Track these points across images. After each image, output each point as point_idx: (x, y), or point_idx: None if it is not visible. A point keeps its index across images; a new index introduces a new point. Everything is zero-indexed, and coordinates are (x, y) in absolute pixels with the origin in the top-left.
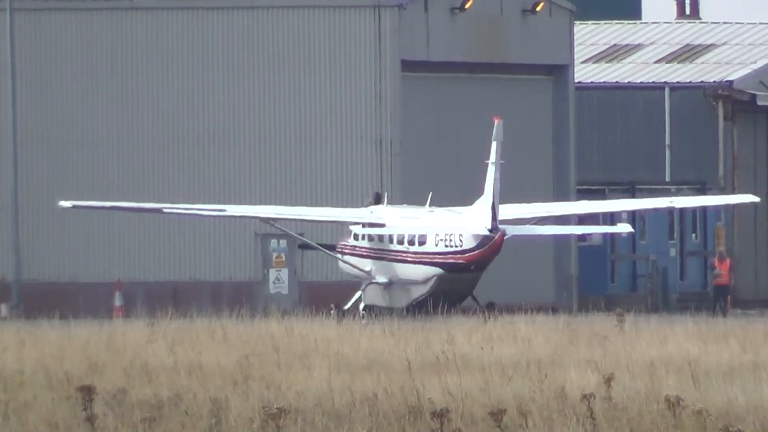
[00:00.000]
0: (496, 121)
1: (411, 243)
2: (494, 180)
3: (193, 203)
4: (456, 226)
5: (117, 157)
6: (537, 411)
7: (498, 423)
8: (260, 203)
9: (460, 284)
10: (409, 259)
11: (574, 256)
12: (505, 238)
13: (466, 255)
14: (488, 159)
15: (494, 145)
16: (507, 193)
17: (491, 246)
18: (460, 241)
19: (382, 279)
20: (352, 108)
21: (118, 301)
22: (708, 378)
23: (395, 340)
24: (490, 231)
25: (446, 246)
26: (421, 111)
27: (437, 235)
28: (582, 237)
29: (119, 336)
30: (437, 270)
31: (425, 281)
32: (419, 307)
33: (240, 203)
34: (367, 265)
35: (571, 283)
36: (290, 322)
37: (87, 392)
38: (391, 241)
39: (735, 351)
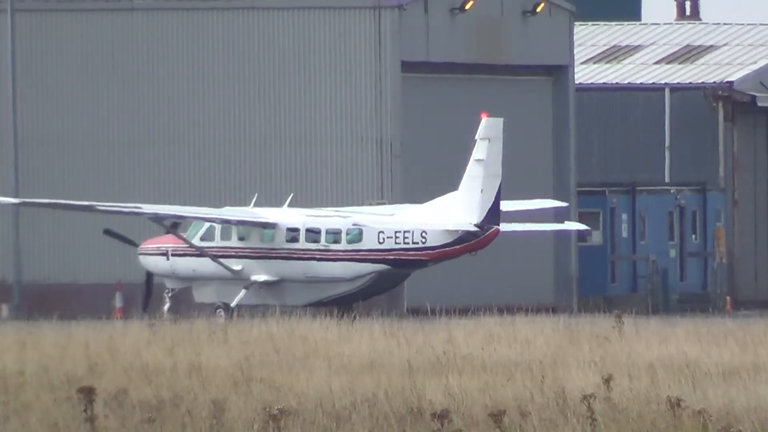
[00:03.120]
0: (483, 119)
1: (335, 241)
2: (485, 177)
3: (193, 204)
4: (414, 223)
5: (117, 158)
6: (537, 412)
7: (498, 424)
8: (260, 203)
9: (397, 281)
10: (328, 256)
11: (574, 257)
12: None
13: (432, 251)
14: (477, 156)
15: (483, 143)
16: (508, 194)
17: (477, 242)
18: (423, 237)
19: (266, 277)
20: (353, 109)
21: (118, 302)
22: (708, 379)
23: (395, 340)
24: (478, 227)
25: (397, 243)
26: (422, 112)
27: (382, 232)
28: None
29: (119, 337)
30: (379, 267)
31: (353, 279)
32: (340, 304)
33: (240, 204)
34: (236, 263)
35: (571, 284)
36: (290, 324)
37: (87, 393)
38: (294, 239)
39: (735, 352)
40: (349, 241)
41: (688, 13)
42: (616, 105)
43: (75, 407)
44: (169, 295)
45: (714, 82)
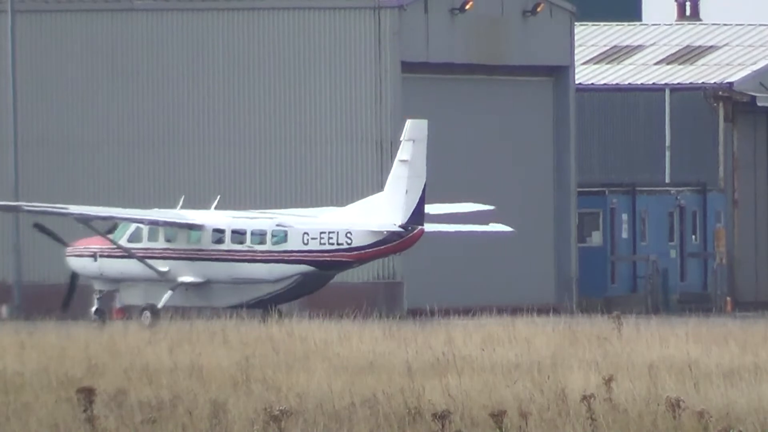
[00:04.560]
0: (408, 121)
1: (259, 242)
2: (410, 178)
3: (193, 205)
4: (339, 224)
5: (117, 159)
6: (537, 412)
7: (499, 424)
8: (260, 205)
9: (321, 282)
10: (253, 257)
11: (575, 257)
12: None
13: (357, 252)
14: (402, 157)
15: (408, 144)
16: (507, 195)
17: (401, 243)
18: (348, 238)
19: (192, 279)
20: (353, 109)
21: (118, 303)
22: (708, 379)
23: (395, 341)
24: (404, 228)
25: (321, 244)
26: (422, 112)
27: (306, 233)
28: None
29: (119, 337)
30: (303, 267)
31: (277, 280)
32: (265, 306)
33: (240, 205)
34: (162, 265)
35: (571, 284)
36: (290, 324)
37: (87, 394)
38: (220, 240)
39: (735, 352)
40: (275, 243)
41: (688, 13)
42: (616, 105)
43: (75, 408)
44: (98, 296)
45: (714, 83)
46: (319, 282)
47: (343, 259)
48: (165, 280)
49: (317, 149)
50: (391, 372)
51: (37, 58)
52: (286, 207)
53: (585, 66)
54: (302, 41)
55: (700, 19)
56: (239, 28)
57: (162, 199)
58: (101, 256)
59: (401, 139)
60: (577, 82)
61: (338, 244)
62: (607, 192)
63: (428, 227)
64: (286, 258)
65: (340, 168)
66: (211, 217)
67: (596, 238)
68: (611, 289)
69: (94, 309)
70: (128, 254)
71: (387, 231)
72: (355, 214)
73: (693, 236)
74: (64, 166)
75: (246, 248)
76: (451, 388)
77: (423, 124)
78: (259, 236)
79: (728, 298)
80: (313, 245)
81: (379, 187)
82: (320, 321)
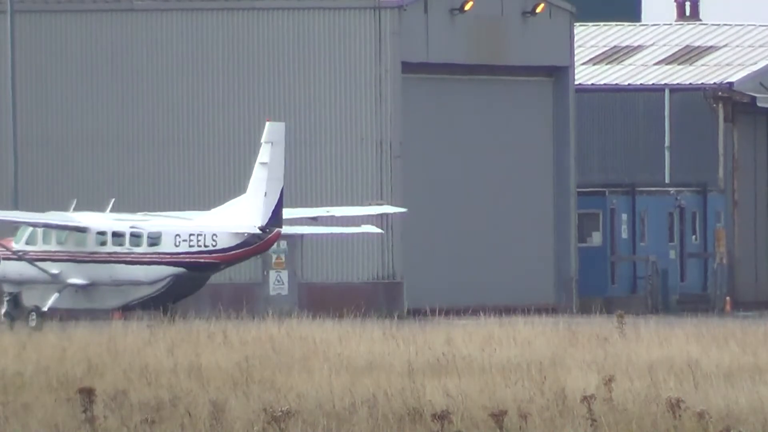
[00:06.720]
0: (267, 123)
1: (136, 244)
2: (268, 180)
3: (193, 204)
4: (206, 226)
5: (117, 158)
6: (537, 413)
7: (499, 425)
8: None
9: (196, 283)
10: (131, 259)
11: (574, 258)
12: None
13: (222, 254)
14: (262, 160)
15: (267, 147)
16: (507, 195)
17: (260, 245)
18: (214, 240)
19: (79, 281)
20: (352, 110)
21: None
22: (708, 380)
23: (395, 341)
24: (262, 230)
25: (191, 246)
26: (421, 113)
27: (178, 235)
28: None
29: (119, 338)
30: (175, 270)
31: (153, 282)
32: (145, 307)
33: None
34: (54, 267)
35: (571, 284)
36: (290, 324)
37: (87, 394)
38: (104, 243)
39: (735, 353)
40: (150, 245)
41: (688, 13)
42: (616, 106)
43: (75, 408)
44: (7, 299)
45: (714, 83)
46: (193, 283)
47: (211, 261)
48: (57, 282)
49: (317, 149)
50: (391, 372)
51: (37, 58)
52: (290, 207)
53: (585, 66)
54: (302, 41)
55: (700, 20)
56: (239, 28)
57: (161, 198)
58: (3, 258)
59: (261, 141)
60: (576, 82)
61: (206, 246)
62: (606, 192)
63: (286, 229)
64: (159, 260)
65: (340, 168)
66: (95, 220)
67: (596, 239)
68: (611, 290)
69: (3, 312)
70: (18, 257)
71: (247, 233)
72: (223, 217)
73: (693, 237)
74: (64, 166)
75: (126, 251)
76: (451, 388)
77: (281, 126)
78: (136, 238)
79: (728, 299)
80: (184, 247)
81: (379, 186)
82: (320, 321)
